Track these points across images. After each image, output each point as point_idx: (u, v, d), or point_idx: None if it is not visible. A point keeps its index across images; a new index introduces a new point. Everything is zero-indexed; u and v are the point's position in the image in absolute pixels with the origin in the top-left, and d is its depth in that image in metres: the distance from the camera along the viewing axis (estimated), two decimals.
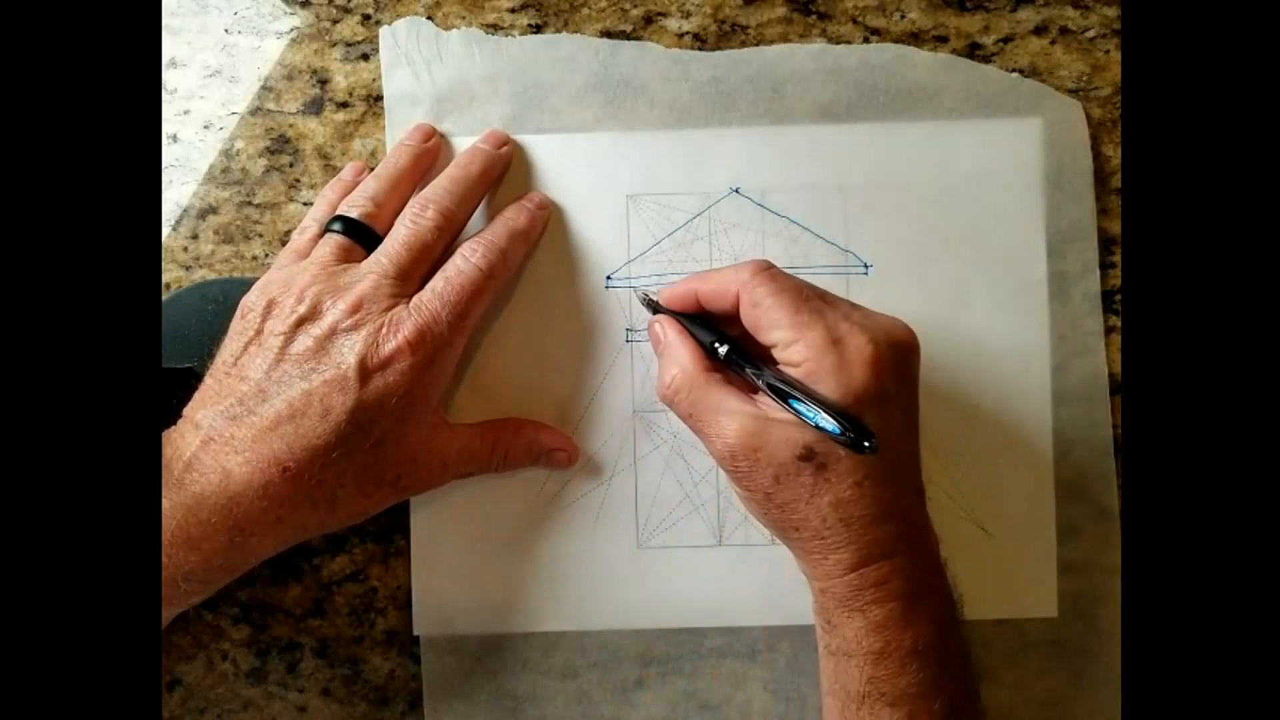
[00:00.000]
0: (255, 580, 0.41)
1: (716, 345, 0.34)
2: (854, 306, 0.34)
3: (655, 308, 0.38)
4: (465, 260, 0.37)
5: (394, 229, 0.37)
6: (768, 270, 0.34)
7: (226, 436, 0.33)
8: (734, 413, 0.32)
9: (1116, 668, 0.40)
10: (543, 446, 0.39)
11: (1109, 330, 0.40)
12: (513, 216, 0.39)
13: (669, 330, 0.36)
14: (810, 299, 0.33)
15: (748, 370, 0.33)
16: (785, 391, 0.31)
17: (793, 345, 0.32)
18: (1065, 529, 0.40)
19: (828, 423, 0.30)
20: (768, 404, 0.32)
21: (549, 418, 0.40)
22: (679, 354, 0.35)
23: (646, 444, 0.40)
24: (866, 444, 0.29)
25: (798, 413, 0.31)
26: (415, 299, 0.36)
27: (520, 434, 0.39)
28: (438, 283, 0.36)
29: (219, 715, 0.41)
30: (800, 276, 0.34)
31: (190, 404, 0.35)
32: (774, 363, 0.33)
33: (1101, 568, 0.40)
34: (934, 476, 0.40)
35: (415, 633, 0.40)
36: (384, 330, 0.34)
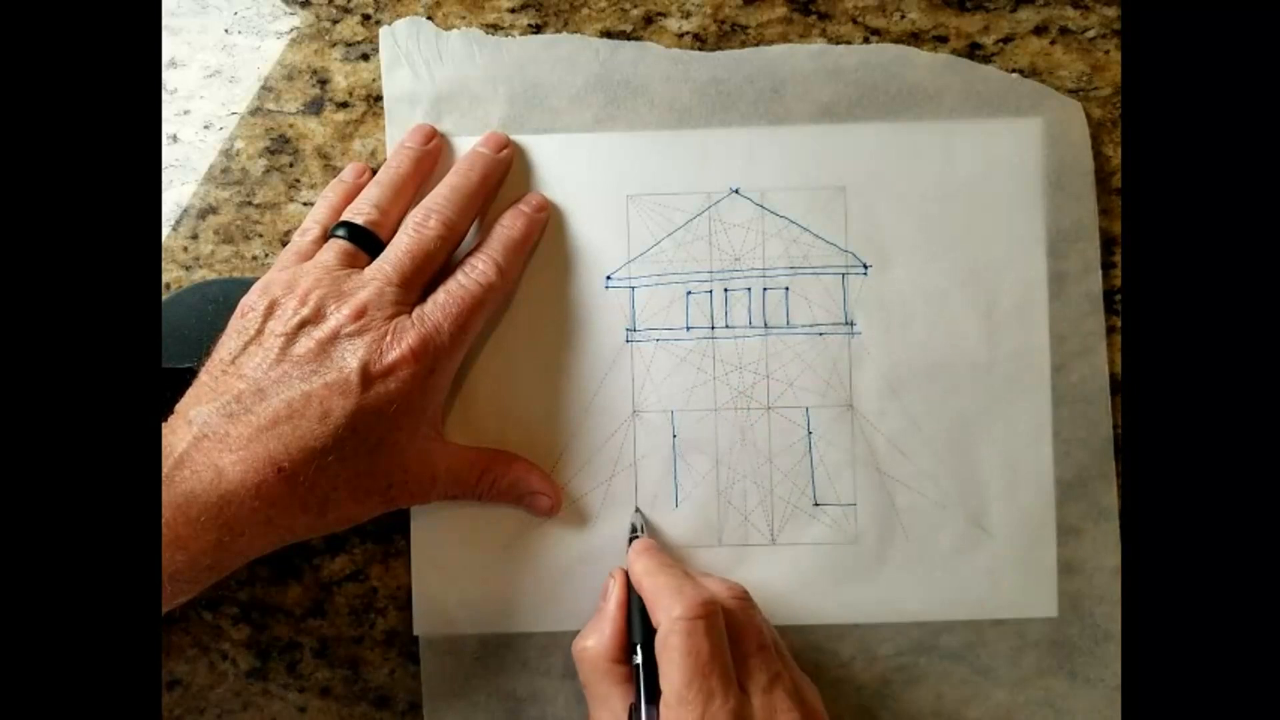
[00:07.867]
0: (255, 580, 0.41)
1: (636, 650, 0.35)
2: (772, 681, 0.33)
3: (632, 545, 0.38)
4: (466, 275, 0.37)
5: (397, 238, 0.37)
6: (698, 620, 0.32)
7: (221, 434, 0.33)
8: (615, 714, 0.34)
9: (1116, 667, 0.40)
10: (529, 488, 0.39)
11: (1109, 330, 0.40)
12: (510, 224, 0.39)
13: (612, 599, 0.36)
14: (710, 675, 0.31)
15: (634, 701, 0.34)
16: None
17: (668, 711, 0.31)
18: (1065, 529, 0.40)
19: None
20: None
21: (547, 419, 0.40)
22: (605, 630, 0.36)
23: (646, 444, 0.40)
24: None
25: None
26: (418, 310, 0.36)
27: (510, 470, 0.39)
28: (440, 295, 0.36)
29: (219, 715, 0.41)
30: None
31: (182, 400, 0.34)
32: None
33: (1101, 568, 0.40)
34: (934, 476, 0.40)
35: (415, 633, 0.40)
36: (388, 338, 0.35)
